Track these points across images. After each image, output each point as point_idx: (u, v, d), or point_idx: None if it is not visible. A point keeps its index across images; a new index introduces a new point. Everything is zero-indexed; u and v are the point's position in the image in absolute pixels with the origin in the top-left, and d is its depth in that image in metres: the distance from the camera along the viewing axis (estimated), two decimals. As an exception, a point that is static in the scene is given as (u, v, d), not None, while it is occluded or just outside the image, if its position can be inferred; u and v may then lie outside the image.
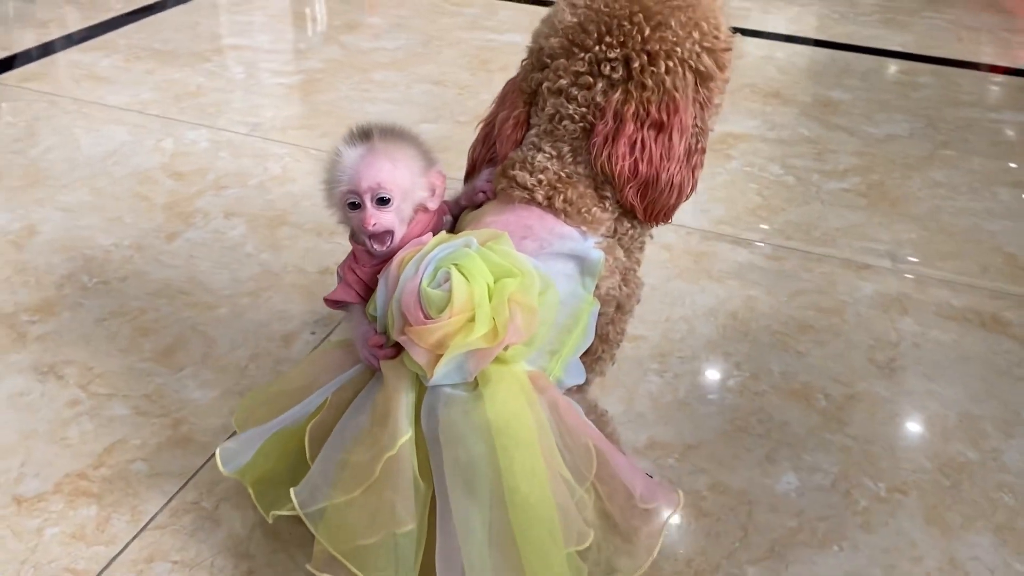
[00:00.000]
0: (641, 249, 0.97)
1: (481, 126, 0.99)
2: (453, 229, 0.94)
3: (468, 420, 0.77)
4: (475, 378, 0.79)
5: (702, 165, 0.90)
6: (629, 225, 0.92)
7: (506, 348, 0.78)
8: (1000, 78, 2.24)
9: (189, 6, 2.47)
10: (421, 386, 0.81)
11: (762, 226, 1.53)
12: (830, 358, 1.22)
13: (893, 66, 2.28)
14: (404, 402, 0.80)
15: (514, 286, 0.78)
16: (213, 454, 1.00)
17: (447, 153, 1.69)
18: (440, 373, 0.78)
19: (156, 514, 0.94)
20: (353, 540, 0.78)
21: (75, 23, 2.33)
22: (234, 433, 0.97)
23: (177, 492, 0.97)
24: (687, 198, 0.91)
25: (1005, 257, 1.48)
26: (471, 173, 0.99)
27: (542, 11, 0.95)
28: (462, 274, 0.79)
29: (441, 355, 0.78)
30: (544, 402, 0.80)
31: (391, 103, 1.93)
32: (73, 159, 1.64)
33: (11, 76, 2.00)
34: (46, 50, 2.16)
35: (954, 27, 2.58)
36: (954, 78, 2.22)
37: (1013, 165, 1.79)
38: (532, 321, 0.79)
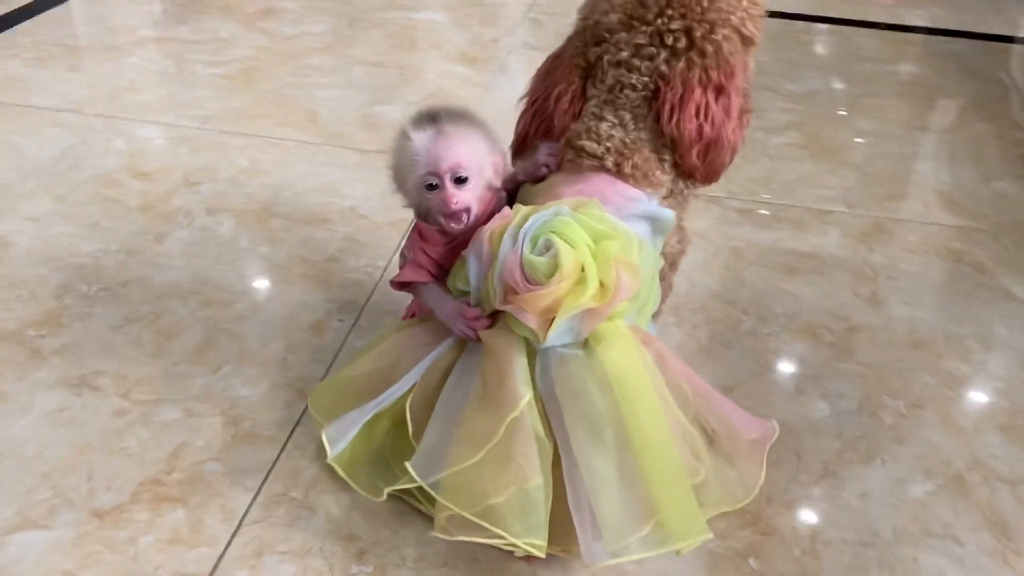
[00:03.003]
0: (686, 208, 1.03)
1: (525, 102, 1.03)
2: (512, 204, 0.97)
3: (587, 375, 0.82)
4: (585, 337, 0.83)
5: (748, 124, 0.97)
6: (683, 185, 0.98)
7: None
8: (888, 34, 2.43)
9: (87, -1, 2.35)
10: (531, 349, 0.85)
11: (726, 183, 1.62)
12: (821, 297, 1.33)
13: (795, 27, 2.44)
14: (517, 366, 0.84)
15: (615, 247, 0.83)
16: (284, 446, 1.01)
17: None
18: (552, 335, 0.82)
19: (248, 510, 0.94)
20: (483, 500, 0.82)
21: (-35, 22, 2.17)
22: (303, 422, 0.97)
23: (261, 486, 0.97)
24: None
25: (939, 195, 1.64)
26: (520, 148, 1.02)
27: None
28: (565, 240, 0.83)
29: (552, 318, 0.82)
30: (650, 353, 0.85)
31: (337, 87, 1.91)
32: (22, 167, 1.55)
33: (-86, 83, 1.86)
34: (-57, 53, 2.01)
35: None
36: (849, 36, 2.40)
37: (920, 111, 1.97)
38: (636, 278, 0.84)
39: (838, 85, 2.08)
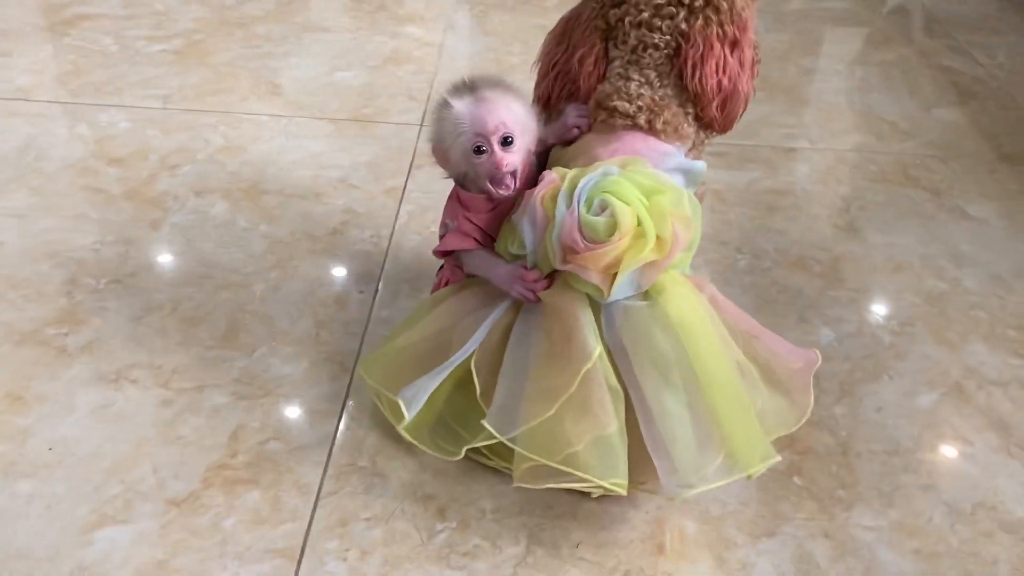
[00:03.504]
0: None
1: (540, 66, 1.06)
2: (543, 167, 1.01)
3: (652, 324, 0.88)
4: (645, 289, 0.89)
5: (758, 74, 1.03)
6: (704, 136, 1.04)
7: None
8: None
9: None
10: (594, 305, 0.90)
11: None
12: (804, 231, 1.42)
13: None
14: (584, 321, 0.88)
15: (667, 201, 0.88)
16: (340, 418, 1.04)
17: (381, 99, 1.72)
18: (616, 290, 0.87)
19: (321, 483, 0.97)
20: (565, 449, 0.87)
21: None
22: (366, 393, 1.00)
23: (328, 459, 1.00)
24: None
25: (889, 124, 1.75)
26: (544, 109, 1.06)
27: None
28: (619, 199, 0.88)
29: (615, 274, 0.87)
30: (705, 298, 0.92)
31: (293, 56, 1.89)
32: (-15, 161, 1.49)
33: None
34: None
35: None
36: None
37: (858, 44, 2.08)
38: (690, 229, 0.89)
39: (775, 25, 2.16)
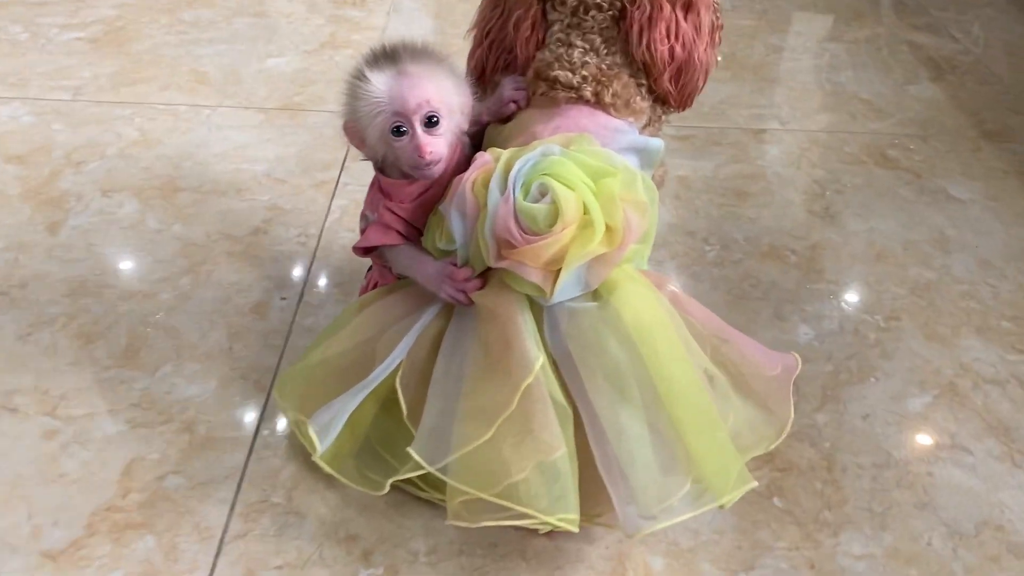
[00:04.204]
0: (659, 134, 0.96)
1: (474, 33, 0.93)
2: (478, 149, 0.88)
3: (604, 328, 0.74)
4: (595, 287, 0.76)
5: (720, 42, 0.90)
6: (661, 111, 0.91)
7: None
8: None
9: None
10: (535, 307, 0.76)
11: (655, 110, 1.57)
12: (777, 218, 1.30)
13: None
14: (524, 327, 0.75)
15: (618, 184, 0.75)
16: (252, 447, 0.90)
17: (316, 85, 1.58)
18: (560, 289, 0.74)
19: (227, 525, 0.83)
20: (504, 479, 0.73)
21: None
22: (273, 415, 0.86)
23: (236, 496, 0.86)
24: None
25: (863, 103, 1.64)
26: (477, 85, 0.92)
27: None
28: (561, 182, 0.75)
29: (558, 270, 0.74)
30: (665, 296, 0.78)
31: (221, 42, 1.74)
32: None
33: None
34: None
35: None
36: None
37: (827, 21, 1.96)
38: (645, 216, 0.76)
39: (740, 1, 2.04)
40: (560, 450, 0.74)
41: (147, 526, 0.83)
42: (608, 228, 0.74)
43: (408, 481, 0.84)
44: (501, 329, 0.76)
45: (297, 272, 1.15)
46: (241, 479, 0.87)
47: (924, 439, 0.95)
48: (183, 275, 1.13)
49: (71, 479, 0.87)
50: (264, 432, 0.92)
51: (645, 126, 0.89)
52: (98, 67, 1.63)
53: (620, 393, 0.74)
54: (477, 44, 0.92)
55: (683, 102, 0.90)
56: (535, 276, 0.74)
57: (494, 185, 0.76)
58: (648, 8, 0.83)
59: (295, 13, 1.89)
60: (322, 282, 1.13)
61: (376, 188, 0.87)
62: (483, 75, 0.92)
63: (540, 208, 0.74)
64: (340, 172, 1.33)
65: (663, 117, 0.92)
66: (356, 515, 0.85)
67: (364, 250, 0.87)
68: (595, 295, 0.76)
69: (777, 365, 0.83)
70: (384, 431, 0.85)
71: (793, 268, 1.20)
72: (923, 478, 0.91)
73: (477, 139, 0.90)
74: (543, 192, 0.75)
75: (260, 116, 1.49)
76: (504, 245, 0.75)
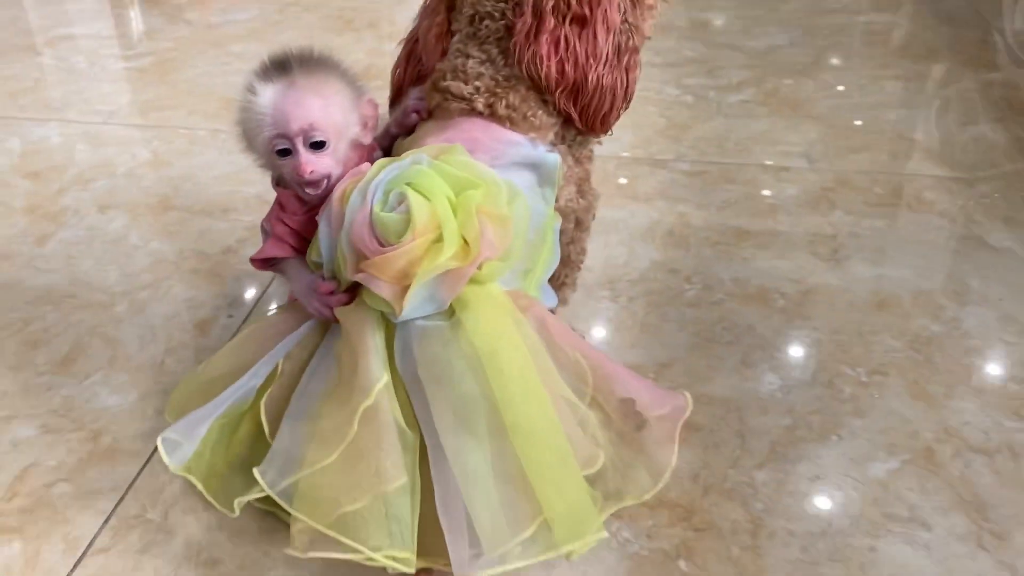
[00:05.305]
0: (590, 159, 0.90)
1: (403, 43, 0.89)
2: (390, 162, 0.84)
3: (451, 352, 0.68)
4: (450, 305, 0.70)
5: (637, 66, 0.83)
6: (576, 131, 0.84)
7: (480, 266, 0.69)
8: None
9: None
10: (389, 324, 0.71)
11: (674, 145, 1.49)
12: (775, 259, 1.19)
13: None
14: (372, 345, 0.70)
15: (479, 197, 0.70)
16: (148, 461, 0.88)
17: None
18: (410, 306, 0.69)
19: (95, 537, 0.81)
20: (337, 509, 0.68)
21: None
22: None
23: (115, 509, 0.84)
24: (626, 104, 0.83)
25: (909, 142, 1.50)
26: (397, 97, 0.89)
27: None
28: (419, 192, 0.70)
29: (408, 285, 0.68)
30: (531, 321, 0.72)
31: (259, 74, 1.78)
32: (-98, 173, 1.43)
33: None
34: None
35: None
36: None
37: (889, 60, 1.83)
38: (505, 232, 0.70)
39: (802, 39, 1.93)
40: (399, 480, 0.68)
41: (18, 531, 0.82)
42: (464, 242, 0.69)
43: (280, 507, 0.79)
44: (352, 348, 0.71)
45: (252, 292, 1.13)
46: (125, 493, 0.85)
47: (876, 509, 0.83)
48: (144, 289, 1.14)
49: (-33, 479, 0.87)
50: (163, 447, 0.90)
51: (557, 144, 0.83)
52: (138, 94, 1.70)
53: (464, 423, 0.68)
54: (401, 57, 0.89)
55: (591, 126, 0.82)
56: (386, 291, 0.69)
57: (355, 195, 0.73)
58: (530, 20, 0.77)
59: (339, 47, 1.91)
60: (274, 304, 1.11)
61: (276, 199, 0.85)
62: (401, 89, 0.88)
63: (393, 217, 0.69)
64: (328, 197, 1.32)
65: (581, 137, 0.85)
66: (225, 539, 0.81)
67: (262, 262, 0.85)
68: (449, 314, 0.70)
69: (665, 405, 0.74)
70: (259, 452, 0.81)
71: (777, 313, 1.09)
72: (862, 553, 0.79)
73: (389, 151, 0.86)
74: (400, 201, 0.70)
75: (273, 142, 1.51)
76: (360, 256, 0.71)
